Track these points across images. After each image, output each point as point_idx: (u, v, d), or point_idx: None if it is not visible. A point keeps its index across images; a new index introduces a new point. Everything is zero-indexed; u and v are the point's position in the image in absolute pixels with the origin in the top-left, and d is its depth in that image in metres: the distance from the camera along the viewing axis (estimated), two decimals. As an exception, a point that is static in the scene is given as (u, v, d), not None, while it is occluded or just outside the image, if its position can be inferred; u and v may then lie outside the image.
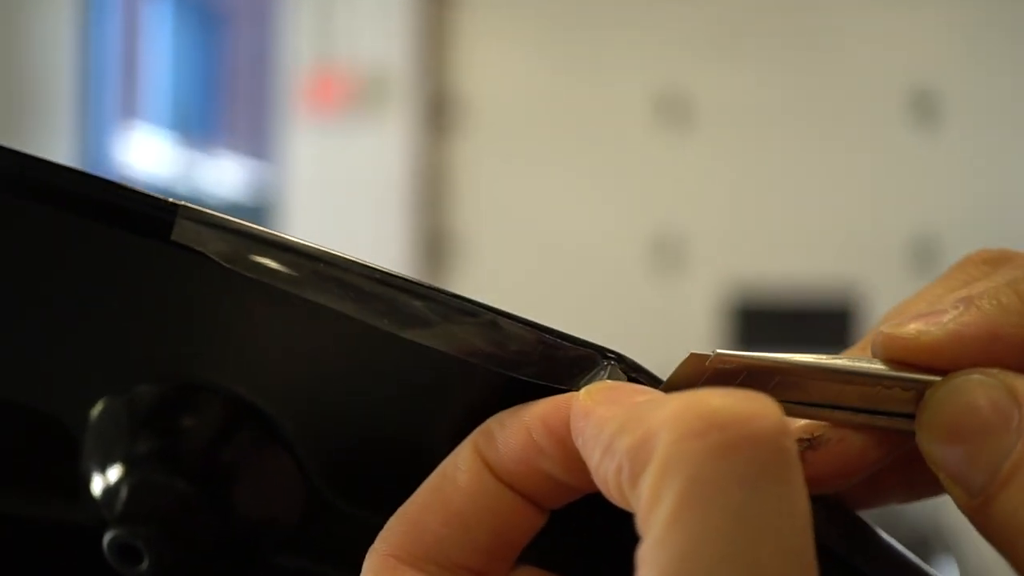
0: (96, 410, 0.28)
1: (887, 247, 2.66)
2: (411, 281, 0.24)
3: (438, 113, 2.85)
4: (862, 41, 2.70)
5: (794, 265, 2.68)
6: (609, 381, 0.24)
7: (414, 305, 0.24)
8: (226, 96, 3.86)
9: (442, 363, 0.24)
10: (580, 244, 2.75)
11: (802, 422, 0.24)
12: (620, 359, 0.24)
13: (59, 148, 2.71)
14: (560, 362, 0.24)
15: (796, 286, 2.68)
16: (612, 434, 0.21)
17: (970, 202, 2.63)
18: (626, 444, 0.21)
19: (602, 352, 0.24)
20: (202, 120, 3.76)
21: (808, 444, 0.24)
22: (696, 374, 0.23)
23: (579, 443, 0.23)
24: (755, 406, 0.20)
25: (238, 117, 3.79)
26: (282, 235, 0.24)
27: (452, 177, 2.85)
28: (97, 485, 0.28)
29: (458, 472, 0.25)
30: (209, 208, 0.24)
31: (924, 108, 2.66)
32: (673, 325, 2.69)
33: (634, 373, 0.24)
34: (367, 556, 0.25)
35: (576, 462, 0.23)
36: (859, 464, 0.25)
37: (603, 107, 2.77)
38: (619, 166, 2.77)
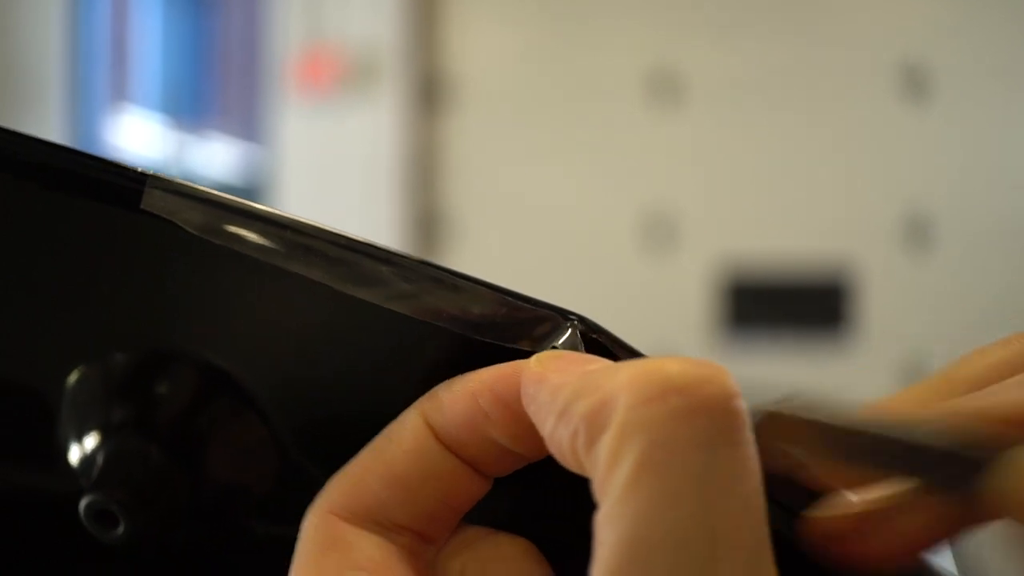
0: (72, 379, 0.28)
1: (879, 224, 2.66)
2: (376, 246, 0.24)
3: (429, 93, 2.84)
4: (852, 17, 2.69)
5: (786, 242, 2.68)
6: (559, 350, 0.24)
7: (380, 270, 0.24)
8: (216, 77, 3.84)
9: (410, 328, 0.24)
10: (572, 222, 2.75)
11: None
12: (581, 320, 0.24)
13: (50, 131, 2.70)
14: (522, 324, 0.24)
15: (788, 263, 2.68)
16: (567, 399, 0.21)
17: (963, 178, 2.63)
18: (583, 408, 0.21)
19: (563, 314, 0.24)
20: (193, 102, 3.75)
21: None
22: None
23: (531, 410, 0.23)
24: (708, 371, 0.20)
25: (229, 98, 3.77)
26: (250, 203, 0.24)
27: (444, 156, 2.85)
28: (74, 453, 0.28)
29: (404, 435, 0.25)
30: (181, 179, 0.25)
31: (915, 83, 2.65)
32: (665, 303, 2.70)
33: (595, 335, 0.24)
34: (307, 513, 0.25)
35: (523, 429, 0.23)
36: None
37: (594, 85, 2.76)
38: (610, 144, 2.76)
